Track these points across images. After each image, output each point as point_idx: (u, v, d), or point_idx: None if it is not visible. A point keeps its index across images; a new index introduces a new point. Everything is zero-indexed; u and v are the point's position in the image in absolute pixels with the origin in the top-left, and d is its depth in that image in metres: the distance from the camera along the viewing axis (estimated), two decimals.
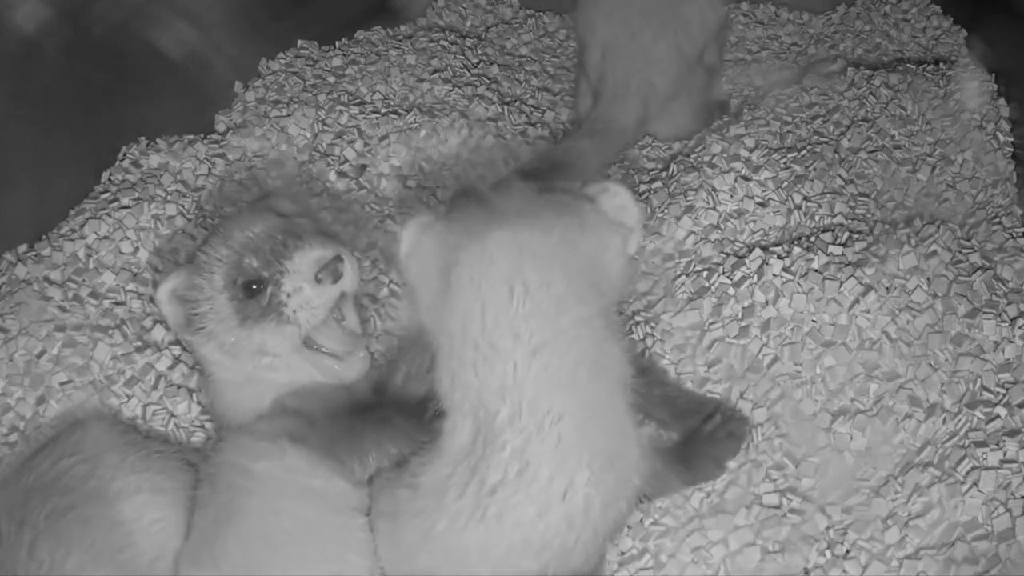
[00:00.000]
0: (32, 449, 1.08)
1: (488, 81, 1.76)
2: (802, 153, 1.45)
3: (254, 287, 0.96)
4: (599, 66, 1.54)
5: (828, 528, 1.02)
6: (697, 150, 1.49)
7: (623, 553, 1.04)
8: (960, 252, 1.21)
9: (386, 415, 1.02)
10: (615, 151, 1.51)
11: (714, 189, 1.38)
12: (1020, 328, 1.12)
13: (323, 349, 1.01)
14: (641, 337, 1.22)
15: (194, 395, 1.20)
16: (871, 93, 1.59)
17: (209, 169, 1.53)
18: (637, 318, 1.25)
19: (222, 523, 0.93)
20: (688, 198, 1.39)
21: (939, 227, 1.25)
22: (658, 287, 1.31)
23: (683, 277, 1.29)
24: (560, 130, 1.69)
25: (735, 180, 1.39)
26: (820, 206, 1.36)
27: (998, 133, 1.52)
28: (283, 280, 0.96)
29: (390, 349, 1.26)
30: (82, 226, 1.36)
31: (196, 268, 0.99)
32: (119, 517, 0.94)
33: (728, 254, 1.31)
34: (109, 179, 1.49)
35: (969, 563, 0.94)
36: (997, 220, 1.36)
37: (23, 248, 1.37)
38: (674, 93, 1.54)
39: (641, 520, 1.05)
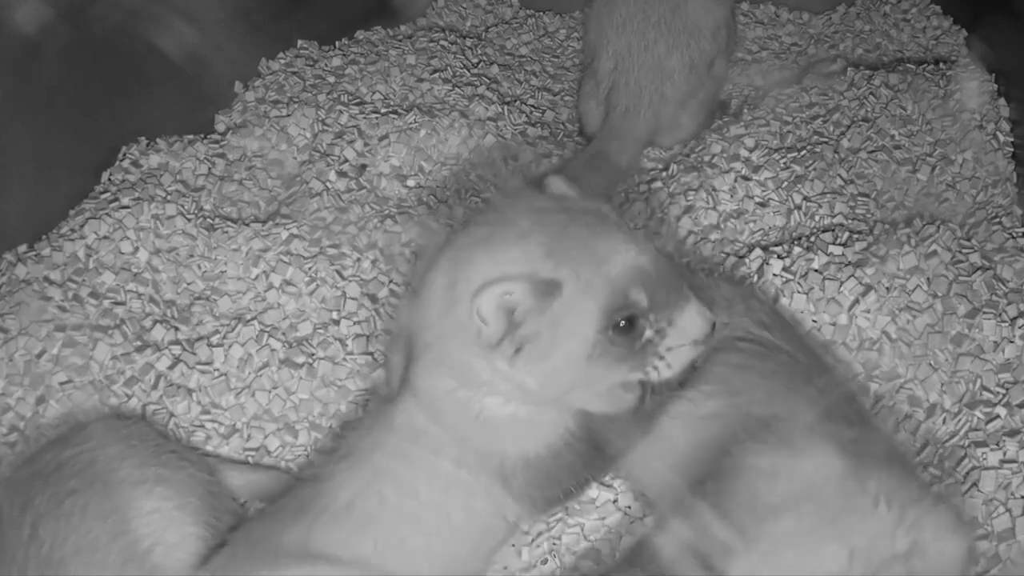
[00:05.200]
0: (34, 448, 1.09)
1: (488, 81, 1.76)
2: (802, 153, 1.45)
3: (628, 326, 0.81)
4: (611, 76, 1.55)
5: None
6: (697, 150, 1.49)
7: None
8: (960, 252, 1.21)
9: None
10: (630, 162, 1.51)
11: (714, 189, 1.39)
12: (1020, 328, 1.12)
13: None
14: None
15: (194, 395, 1.20)
16: (871, 93, 1.59)
17: (209, 169, 1.53)
18: None
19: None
20: (688, 198, 1.39)
21: (939, 227, 1.25)
22: None
23: None
24: (560, 130, 1.69)
25: (735, 180, 1.39)
26: (820, 206, 1.36)
27: (998, 133, 1.52)
28: (668, 332, 0.82)
29: (388, 348, 1.26)
30: (82, 226, 1.36)
31: (549, 286, 0.79)
32: (118, 504, 0.94)
33: (728, 254, 1.31)
34: (109, 179, 1.49)
35: (969, 563, 0.94)
36: (997, 220, 1.36)
37: (23, 248, 1.37)
38: (684, 104, 1.55)
39: None
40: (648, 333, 0.81)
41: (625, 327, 0.80)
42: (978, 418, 1.05)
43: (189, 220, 1.40)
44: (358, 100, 1.67)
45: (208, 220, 1.42)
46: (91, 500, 0.93)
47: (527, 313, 0.79)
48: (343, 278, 1.33)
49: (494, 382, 0.84)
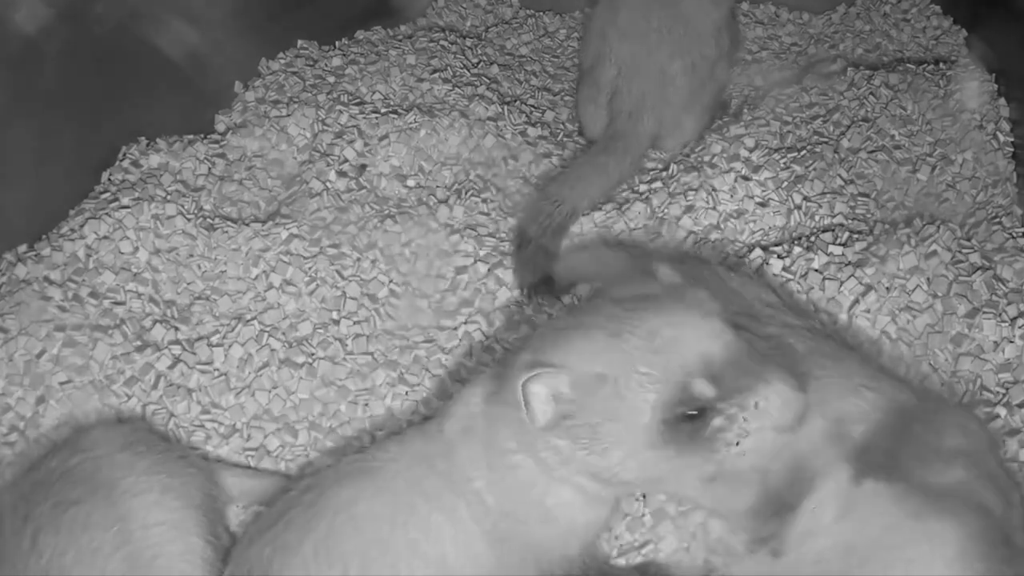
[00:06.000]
0: (35, 450, 1.09)
1: (488, 81, 1.76)
2: (802, 153, 1.45)
3: (693, 415, 0.79)
4: (613, 82, 1.55)
5: None
6: (697, 150, 1.49)
7: None
8: (960, 252, 1.21)
9: None
10: (634, 166, 1.52)
11: (714, 189, 1.39)
12: (1020, 328, 1.12)
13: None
14: None
15: (194, 395, 1.20)
16: (871, 93, 1.59)
17: (209, 169, 1.53)
18: None
19: None
20: (688, 198, 1.39)
21: (939, 227, 1.25)
22: None
23: None
24: (560, 130, 1.69)
25: (735, 180, 1.39)
26: (820, 206, 1.36)
27: (998, 133, 1.52)
28: (741, 418, 0.78)
29: (389, 349, 1.26)
30: (82, 226, 1.36)
31: (599, 379, 0.80)
32: (122, 514, 0.94)
33: (728, 254, 1.31)
34: (109, 179, 1.49)
35: None
36: (997, 220, 1.36)
37: (23, 248, 1.37)
38: (687, 108, 1.55)
39: None
40: (717, 422, 0.78)
41: (691, 417, 0.78)
42: None
43: (189, 220, 1.40)
44: (358, 100, 1.67)
45: (208, 220, 1.42)
46: (95, 510, 0.92)
47: (573, 404, 0.80)
48: (343, 278, 1.33)
49: (559, 466, 0.84)
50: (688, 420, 0.78)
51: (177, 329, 1.27)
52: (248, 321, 1.27)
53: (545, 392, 0.80)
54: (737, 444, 0.79)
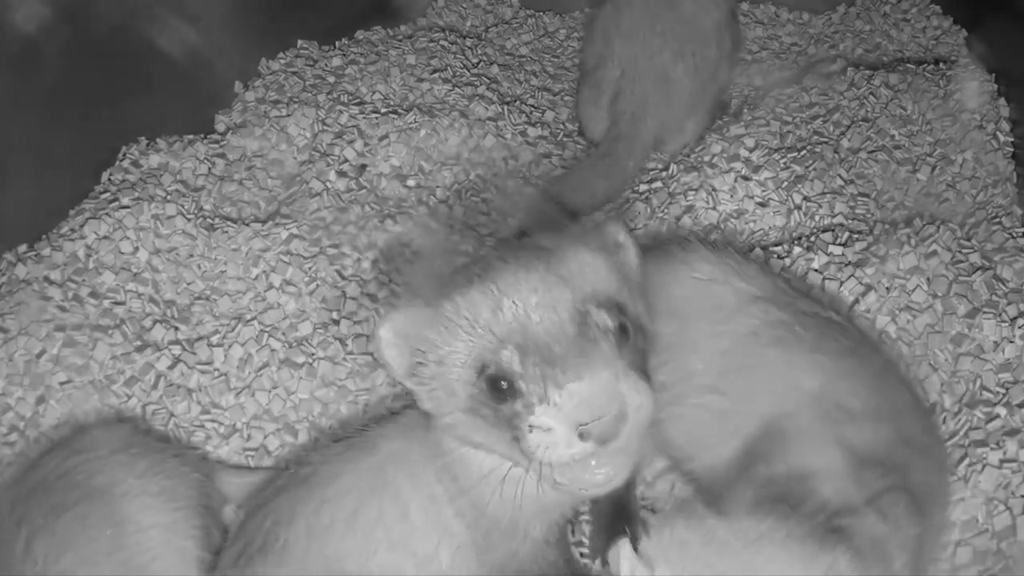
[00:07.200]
0: (35, 450, 1.09)
1: (488, 81, 1.76)
2: (802, 153, 1.45)
3: (502, 386, 0.70)
4: (616, 84, 1.55)
5: None
6: (697, 150, 1.49)
7: None
8: (960, 252, 1.21)
9: None
10: (636, 167, 1.52)
11: (714, 189, 1.39)
12: (1020, 328, 1.11)
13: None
14: None
15: (194, 395, 1.20)
16: (871, 93, 1.59)
17: (209, 169, 1.53)
18: None
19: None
20: (688, 198, 1.39)
21: (939, 227, 1.25)
22: None
23: None
24: (560, 130, 1.69)
25: (735, 180, 1.39)
26: (820, 206, 1.36)
27: (998, 133, 1.52)
28: (535, 408, 0.68)
29: None
30: (82, 226, 1.36)
31: (437, 317, 0.74)
32: (119, 517, 0.94)
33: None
34: (109, 179, 1.49)
35: (972, 563, 0.94)
36: (997, 220, 1.36)
37: (23, 248, 1.37)
38: (689, 110, 1.55)
39: None
40: (517, 404, 0.69)
41: (501, 388, 0.70)
42: (978, 418, 1.05)
43: (189, 220, 1.40)
44: (358, 100, 1.67)
45: (208, 220, 1.42)
46: (91, 513, 0.93)
47: (417, 341, 0.75)
48: (343, 278, 1.33)
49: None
50: (495, 391, 0.70)
51: (177, 329, 1.27)
52: (248, 321, 1.27)
53: (390, 335, 0.75)
54: (527, 436, 0.68)
